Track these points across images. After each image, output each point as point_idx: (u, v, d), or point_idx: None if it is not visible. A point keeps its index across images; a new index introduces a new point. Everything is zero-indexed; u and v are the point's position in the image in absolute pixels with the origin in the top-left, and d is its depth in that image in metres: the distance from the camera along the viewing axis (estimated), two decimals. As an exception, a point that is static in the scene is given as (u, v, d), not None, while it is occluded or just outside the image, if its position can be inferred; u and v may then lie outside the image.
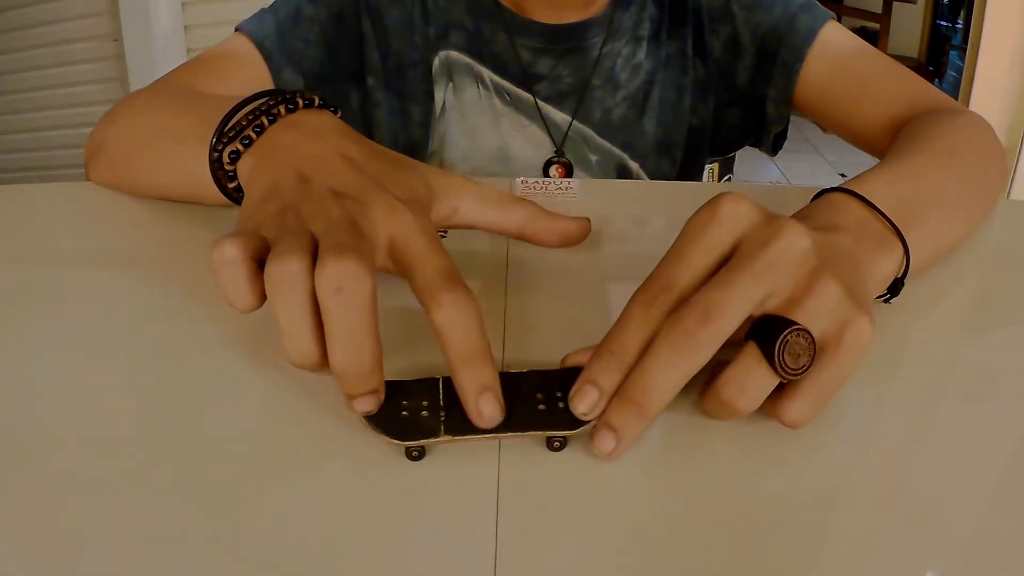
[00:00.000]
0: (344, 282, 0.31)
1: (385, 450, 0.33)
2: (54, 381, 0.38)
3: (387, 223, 0.35)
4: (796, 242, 0.33)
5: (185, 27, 1.98)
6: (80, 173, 0.64)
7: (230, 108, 0.43)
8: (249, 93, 0.43)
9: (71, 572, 0.28)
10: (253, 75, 0.70)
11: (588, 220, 0.44)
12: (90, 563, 0.28)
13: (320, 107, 0.43)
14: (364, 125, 0.77)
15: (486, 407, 0.32)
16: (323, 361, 0.32)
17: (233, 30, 0.72)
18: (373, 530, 0.30)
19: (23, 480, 0.32)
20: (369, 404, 0.32)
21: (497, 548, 0.29)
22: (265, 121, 0.42)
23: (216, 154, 0.42)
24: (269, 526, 0.30)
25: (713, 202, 0.34)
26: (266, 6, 0.73)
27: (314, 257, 0.32)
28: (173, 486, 0.32)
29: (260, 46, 0.70)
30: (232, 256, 0.32)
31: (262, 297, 0.33)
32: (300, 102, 0.43)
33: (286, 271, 0.31)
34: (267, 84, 0.70)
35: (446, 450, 0.33)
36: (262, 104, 0.42)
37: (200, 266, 0.49)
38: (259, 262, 0.33)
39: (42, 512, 0.30)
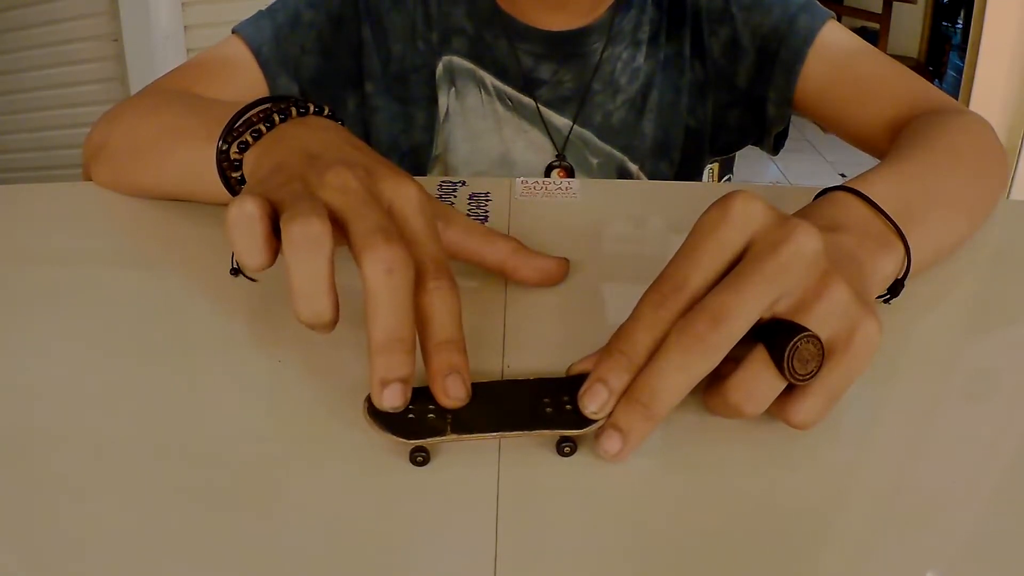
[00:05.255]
0: (395, 264, 0.32)
1: (386, 452, 0.33)
2: (54, 381, 0.38)
3: (394, 193, 0.36)
4: (808, 244, 0.32)
5: (185, 27, 1.98)
6: (81, 173, 0.64)
7: (240, 108, 0.44)
8: (245, 99, 0.44)
9: (72, 572, 0.28)
10: (249, 82, 0.70)
11: (567, 260, 0.46)
12: (90, 563, 0.28)
13: (328, 117, 0.45)
14: (361, 129, 0.77)
15: (452, 386, 0.33)
16: (333, 321, 0.33)
17: (230, 32, 0.72)
18: (372, 532, 0.30)
19: (23, 480, 0.32)
20: (398, 398, 0.32)
21: (497, 550, 0.29)
22: (277, 118, 0.43)
23: (225, 146, 0.43)
24: (271, 527, 0.30)
25: (725, 201, 0.34)
26: (264, 7, 0.73)
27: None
28: (173, 487, 0.31)
29: (256, 52, 0.70)
30: (251, 212, 0.33)
31: (274, 256, 0.34)
32: (311, 107, 0.45)
33: (308, 232, 0.31)
34: (262, 90, 0.71)
35: (446, 451, 0.33)
36: (274, 105, 0.44)
37: (201, 265, 0.49)
38: (272, 223, 0.33)
39: (42, 512, 0.30)
